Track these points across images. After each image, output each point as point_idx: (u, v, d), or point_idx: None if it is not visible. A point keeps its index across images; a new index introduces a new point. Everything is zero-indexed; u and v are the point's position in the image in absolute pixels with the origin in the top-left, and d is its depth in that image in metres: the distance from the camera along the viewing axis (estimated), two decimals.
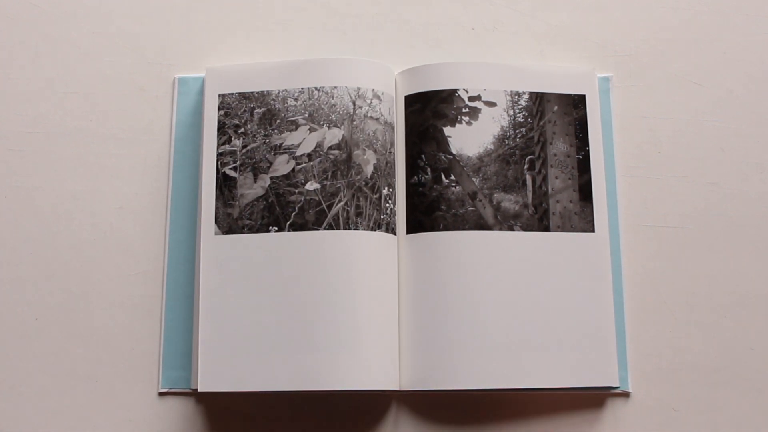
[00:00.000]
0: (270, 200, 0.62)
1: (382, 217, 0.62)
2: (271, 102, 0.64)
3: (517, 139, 0.64)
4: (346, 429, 0.62)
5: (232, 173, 0.63)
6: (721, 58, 0.68)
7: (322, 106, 0.64)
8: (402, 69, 0.66)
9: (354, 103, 0.63)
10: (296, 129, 0.64)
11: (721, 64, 0.68)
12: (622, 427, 0.61)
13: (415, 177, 0.64)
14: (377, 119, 0.64)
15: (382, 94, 0.64)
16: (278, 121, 0.64)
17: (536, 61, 0.68)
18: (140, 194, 0.66)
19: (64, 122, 0.67)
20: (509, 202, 0.63)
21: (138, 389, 0.63)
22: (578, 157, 0.64)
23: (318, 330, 0.59)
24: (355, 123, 0.63)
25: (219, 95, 0.65)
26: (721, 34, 0.68)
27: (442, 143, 0.64)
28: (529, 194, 0.63)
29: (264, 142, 0.64)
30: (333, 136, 0.63)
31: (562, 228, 0.63)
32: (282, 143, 0.63)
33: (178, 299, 0.63)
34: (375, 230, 0.62)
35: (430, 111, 0.64)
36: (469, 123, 0.64)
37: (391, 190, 0.63)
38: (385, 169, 0.63)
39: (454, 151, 0.64)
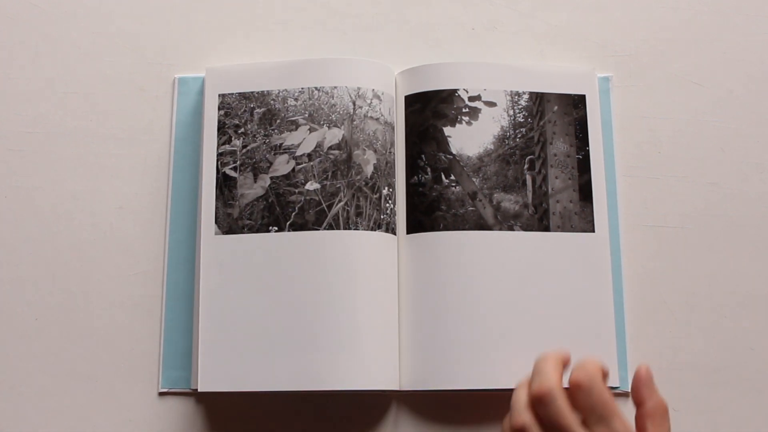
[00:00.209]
0: (270, 200, 0.62)
1: (382, 217, 0.62)
2: (271, 102, 0.64)
3: (517, 139, 0.64)
4: (346, 429, 0.62)
5: (232, 173, 0.63)
6: (721, 58, 0.68)
7: (322, 106, 0.64)
8: (402, 69, 0.66)
9: (354, 103, 0.63)
10: (296, 129, 0.64)
11: (721, 64, 0.68)
12: None
13: (415, 177, 0.64)
14: (377, 119, 0.64)
15: (382, 94, 0.64)
16: (278, 121, 0.64)
17: (536, 61, 0.68)
18: (140, 194, 0.66)
19: (64, 122, 0.67)
20: (509, 202, 0.63)
21: (138, 389, 0.63)
22: (578, 157, 0.64)
23: (318, 330, 0.59)
24: (355, 123, 0.63)
25: (219, 95, 0.65)
26: (721, 34, 0.68)
27: (442, 143, 0.64)
28: (529, 194, 0.63)
29: (264, 142, 0.64)
30: (333, 136, 0.63)
31: (562, 228, 0.63)
32: (282, 143, 0.63)
33: (178, 299, 0.63)
34: (375, 230, 0.62)
35: (430, 111, 0.64)
36: (469, 123, 0.64)
37: (391, 190, 0.63)
38: (385, 169, 0.63)
39: (454, 151, 0.64)
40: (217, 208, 0.63)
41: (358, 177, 0.62)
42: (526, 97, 0.65)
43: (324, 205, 0.62)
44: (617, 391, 0.61)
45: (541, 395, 0.53)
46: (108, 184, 0.66)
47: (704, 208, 0.65)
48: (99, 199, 0.66)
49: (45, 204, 0.66)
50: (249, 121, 0.64)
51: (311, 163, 0.63)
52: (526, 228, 0.62)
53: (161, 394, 0.63)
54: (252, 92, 0.65)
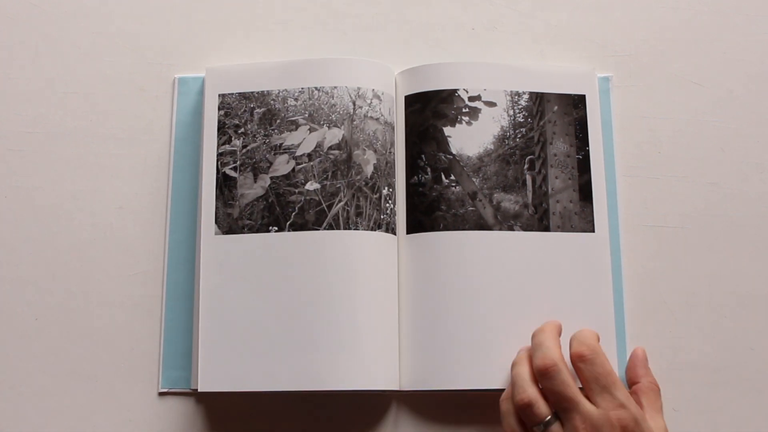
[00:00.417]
0: (270, 200, 0.62)
1: (382, 217, 0.62)
2: (271, 102, 0.64)
3: (517, 139, 0.64)
4: (346, 429, 0.62)
5: (232, 173, 0.63)
6: (721, 58, 0.68)
7: (322, 106, 0.64)
8: (402, 69, 0.66)
9: (354, 103, 0.63)
10: (296, 129, 0.64)
11: (721, 64, 0.68)
12: None
13: (415, 177, 0.64)
14: (377, 119, 0.64)
15: (382, 94, 0.64)
16: (278, 121, 0.64)
17: (536, 61, 0.68)
18: (140, 194, 0.66)
19: (64, 122, 0.67)
20: (509, 202, 0.63)
21: (138, 389, 0.63)
22: (578, 157, 0.64)
23: (318, 330, 0.59)
24: (355, 123, 0.63)
25: (219, 95, 0.65)
26: (721, 34, 0.68)
27: (442, 143, 0.64)
28: (529, 194, 0.63)
29: (264, 142, 0.64)
30: (333, 136, 0.63)
31: (562, 228, 0.63)
32: (282, 143, 0.63)
33: (178, 299, 0.63)
34: (375, 230, 0.62)
35: (430, 111, 0.64)
36: (469, 123, 0.64)
37: (391, 190, 0.63)
38: (385, 169, 0.63)
39: (454, 151, 0.64)
40: (217, 208, 0.63)
41: (358, 177, 0.62)
42: (526, 97, 0.65)
43: (324, 205, 0.62)
44: None
45: (546, 368, 0.54)
46: (108, 184, 0.66)
47: (704, 208, 0.65)
48: (99, 199, 0.66)
49: (45, 204, 0.66)
50: (249, 121, 0.64)
51: (311, 163, 0.63)
52: (526, 228, 0.62)
53: (161, 394, 0.63)
54: (252, 92, 0.65)
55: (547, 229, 0.62)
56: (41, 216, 0.65)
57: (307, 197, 0.62)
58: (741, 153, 0.66)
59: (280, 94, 0.64)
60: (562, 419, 0.53)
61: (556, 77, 0.65)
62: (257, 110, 0.64)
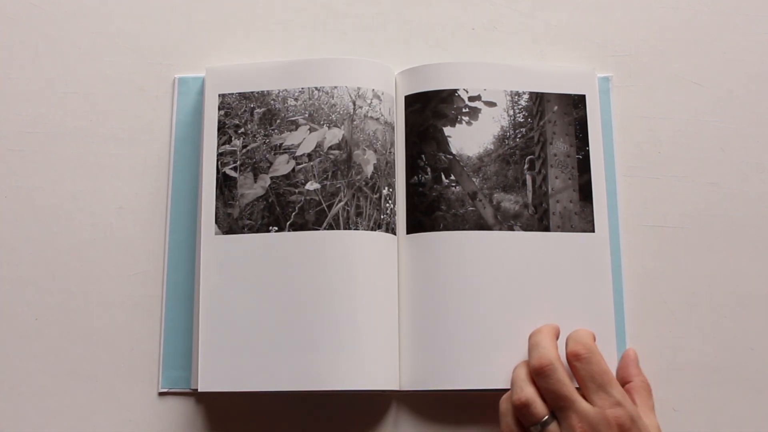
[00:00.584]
0: (270, 200, 0.62)
1: (382, 217, 0.62)
2: (271, 102, 0.64)
3: (517, 139, 0.64)
4: (346, 429, 0.62)
5: (232, 173, 0.63)
6: (721, 58, 0.68)
7: (322, 106, 0.64)
8: (402, 69, 0.66)
9: (354, 103, 0.63)
10: (296, 129, 0.64)
11: (721, 64, 0.68)
12: None
13: (415, 177, 0.64)
14: (377, 119, 0.64)
15: (382, 94, 0.64)
16: (278, 121, 0.64)
17: (536, 61, 0.68)
18: (140, 194, 0.66)
19: (64, 122, 0.67)
20: (509, 202, 0.63)
21: (138, 389, 0.63)
22: (578, 157, 0.64)
23: (318, 330, 0.59)
24: (355, 123, 0.63)
25: (219, 95, 0.65)
26: (721, 34, 0.68)
27: (442, 143, 0.64)
28: (529, 194, 0.63)
29: (264, 142, 0.64)
30: (333, 136, 0.63)
31: (562, 228, 0.63)
32: (282, 143, 0.63)
33: (178, 299, 0.63)
34: (375, 230, 0.62)
35: (430, 111, 0.64)
36: (469, 123, 0.64)
37: (391, 190, 0.63)
38: (385, 169, 0.63)
39: (454, 151, 0.64)
40: (217, 208, 0.63)
41: (358, 177, 0.62)
42: (526, 97, 0.65)
43: (324, 205, 0.62)
44: None
45: (542, 367, 0.54)
46: (108, 184, 0.66)
47: (704, 208, 0.65)
48: (99, 199, 0.66)
49: (45, 204, 0.66)
50: (249, 121, 0.64)
51: (311, 163, 0.63)
52: (526, 228, 0.62)
53: (161, 394, 0.63)
54: (252, 92, 0.65)
55: (547, 229, 0.62)
56: (41, 216, 0.65)
57: (307, 197, 0.62)
58: (741, 153, 0.66)
59: (280, 94, 0.64)
60: (559, 418, 0.53)
61: (556, 77, 0.65)
62: (257, 110, 0.64)
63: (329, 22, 0.69)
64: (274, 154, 0.63)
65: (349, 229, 0.61)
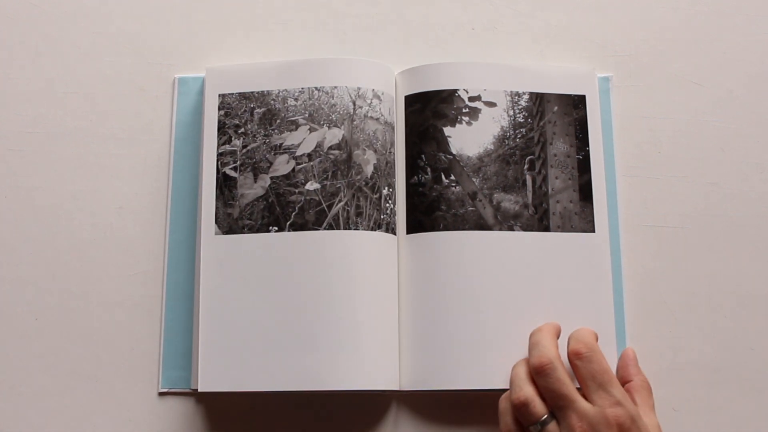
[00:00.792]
0: (270, 200, 0.62)
1: (382, 217, 0.62)
2: (271, 102, 0.64)
3: (517, 140, 0.64)
4: (346, 429, 0.62)
5: (232, 173, 0.63)
6: (721, 58, 0.68)
7: (322, 106, 0.64)
8: (402, 69, 0.66)
9: (354, 103, 0.63)
10: (296, 129, 0.64)
11: (721, 64, 0.68)
12: None
13: (415, 177, 0.64)
14: (377, 119, 0.64)
15: (382, 94, 0.64)
16: (278, 121, 0.64)
17: (536, 61, 0.68)
18: (140, 194, 0.66)
19: (64, 122, 0.67)
20: (509, 202, 0.63)
21: (138, 389, 0.63)
22: (578, 158, 0.64)
23: (318, 330, 0.59)
24: (355, 123, 0.63)
25: (219, 95, 0.65)
26: (721, 34, 0.68)
27: (442, 143, 0.64)
28: (529, 194, 0.63)
29: (264, 142, 0.64)
30: (333, 136, 0.63)
31: (562, 228, 0.63)
32: (282, 143, 0.63)
33: (178, 299, 0.63)
34: (375, 230, 0.62)
35: (430, 111, 0.64)
36: (469, 123, 0.64)
37: (391, 190, 0.63)
38: (385, 169, 0.63)
39: (454, 151, 0.64)
40: (217, 208, 0.63)
41: (358, 177, 0.62)
42: (526, 97, 0.65)
43: (324, 205, 0.62)
44: None
45: (542, 366, 0.54)
46: (108, 184, 0.66)
47: (704, 208, 0.65)
48: (99, 199, 0.66)
49: (45, 204, 0.66)
50: (249, 121, 0.64)
51: (311, 163, 0.63)
52: (526, 228, 0.62)
53: (161, 394, 0.63)
54: (252, 92, 0.65)
55: (547, 229, 0.62)
56: (41, 216, 0.65)
57: (307, 197, 0.62)
58: (741, 153, 0.66)
59: (280, 94, 0.64)
60: (558, 418, 0.53)
61: (556, 77, 0.65)
62: (257, 110, 0.64)
63: (329, 22, 0.69)
64: (274, 154, 0.63)
65: (349, 229, 0.61)
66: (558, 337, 0.58)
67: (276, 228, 0.62)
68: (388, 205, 0.63)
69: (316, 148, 0.63)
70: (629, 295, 0.63)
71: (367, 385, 0.59)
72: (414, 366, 0.61)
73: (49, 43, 0.69)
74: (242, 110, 0.64)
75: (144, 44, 0.69)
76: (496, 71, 0.65)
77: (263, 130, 0.64)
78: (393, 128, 0.65)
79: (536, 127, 0.64)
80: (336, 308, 0.60)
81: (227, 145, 0.64)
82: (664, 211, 0.65)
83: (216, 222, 0.63)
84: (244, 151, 0.64)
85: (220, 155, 0.64)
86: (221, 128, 0.64)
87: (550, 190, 0.63)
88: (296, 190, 0.62)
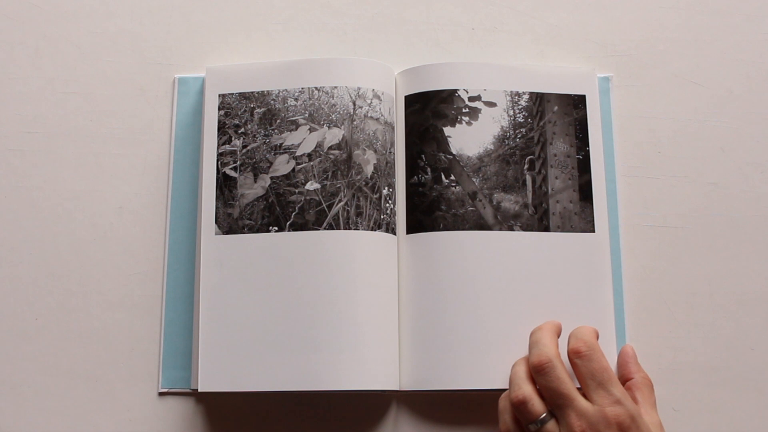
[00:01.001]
0: (270, 200, 0.62)
1: (382, 217, 0.62)
2: (271, 102, 0.64)
3: (517, 140, 0.64)
4: (346, 429, 0.62)
5: (233, 173, 0.63)
6: (721, 58, 0.68)
7: (322, 106, 0.64)
8: (402, 69, 0.66)
9: (354, 103, 0.63)
10: (296, 129, 0.64)
11: (721, 64, 0.68)
12: None
13: (415, 177, 0.64)
14: (377, 119, 0.64)
15: (382, 94, 0.64)
16: (278, 121, 0.64)
17: (536, 61, 0.68)
18: (140, 194, 0.66)
19: (64, 122, 0.67)
20: (509, 202, 0.63)
21: (138, 389, 0.63)
22: (578, 158, 0.64)
23: (318, 330, 0.59)
24: (355, 123, 0.63)
25: (219, 95, 0.65)
26: (721, 34, 0.68)
27: (442, 143, 0.64)
28: (529, 194, 0.63)
29: (264, 142, 0.64)
30: (333, 136, 0.63)
31: (562, 228, 0.63)
32: (282, 143, 0.63)
33: (178, 299, 0.63)
34: (375, 230, 0.62)
35: (430, 111, 0.64)
36: (469, 123, 0.64)
37: (391, 190, 0.63)
38: (385, 169, 0.63)
39: (454, 151, 0.64)
40: (217, 208, 0.63)
41: (358, 177, 0.62)
42: (526, 97, 0.65)
43: (324, 205, 0.62)
44: None
45: (541, 364, 0.54)
46: (108, 184, 0.66)
47: (704, 208, 0.65)
48: (99, 199, 0.66)
49: (45, 204, 0.66)
50: (249, 121, 0.64)
51: (311, 163, 0.63)
52: (526, 228, 0.62)
53: (161, 394, 0.63)
54: (252, 92, 0.65)
55: (547, 229, 0.62)
56: (41, 216, 0.65)
57: (307, 197, 0.62)
58: (741, 153, 0.66)
59: (280, 94, 0.64)
60: (558, 417, 0.53)
61: (556, 77, 0.65)
62: (257, 110, 0.64)
63: (329, 22, 0.69)
64: (274, 154, 0.63)
65: (349, 229, 0.61)
66: (559, 336, 0.58)
67: (276, 228, 0.62)
68: (388, 205, 0.63)
69: (316, 148, 0.63)
70: (629, 295, 0.63)
71: (367, 385, 0.59)
72: (414, 366, 0.61)
73: (49, 43, 0.69)
74: (242, 110, 0.64)
75: (144, 44, 0.69)
76: (496, 71, 0.65)
77: (263, 130, 0.64)
78: (393, 128, 0.65)
79: (536, 127, 0.64)
80: (336, 308, 0.60)
81: (227, 145, 0.64)
82: (664, 211, 0.65)
83: (216, 222, 0.63)
84: (244, 151, 0.64)
85: (220, 155, 0.64)
86: (221, 128, 0.64)
87: (550, 190, 0.63)
88: (296, 190, 0.62)
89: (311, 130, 0.63)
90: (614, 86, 0.67)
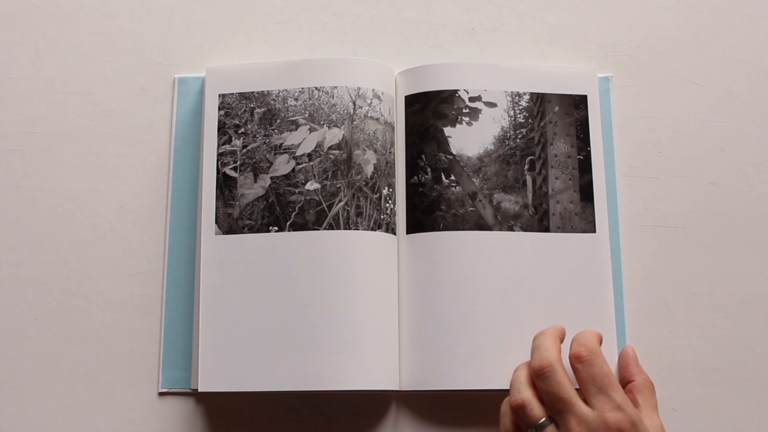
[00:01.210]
0: (270, 200, 0.62)
1: (382, 217, 0.62)
2: (271, 102, 0.64)
3: (518, 140, 0.64)
4: (346, 429, 0.62)
5: (233, 173, 0.63)
6: (721, 58, 0.68)
7: (323, 106, 0.64)
8: (402, 69, 0.66)
9: (354, 103, 0.63)
10: (296, 129, 0.64)
11: (721, 64, 0.68)
12: None
13: (415, 177, 0.64)
14: (377, 119, 0.64)
15: (382, 94, 0.64)
16: (278, 121, 0.64)
17: (536, 62, 0.68)
18: (140, 194, 0.66)
19: (64, 122, 0.67)
20: (509, 202, 0.63)
21: (138, 389, 0.63)
22: (579, 158, 0.64)
23: (318, 330, 0.59)
24: (355, 123, 0.63)
25: (219, 95, 0.65)
26: (721, 34, 0.68)
27: (443, 143, 0.64)
28: (530, 195, 0.63)
29: (264, 142, 0.64)
30: (333, 136, 0.63)
31: (562, 228, 0.63)
32: (282, 143, 0.63)
33: (178, 299, 0.63)
34: (375, 230, 0.62)
35: (430, 111, 0.64)
36: (469, 123, 0.64)
37: (391, 190, 0.63)
38: (385, 169, 0.63)
39: (454, 152, 0.64)
40: (217, 208, 0.63)
41: (358, 177, 0.62)
42: (526, 97, 0.65)
43: (324, 205, 0.62)
44: None
45: (542, 369, 0.53)
46: (108, 184, 0.66)
47: (704, 208, 0.65)
48: (99, 199, 0.66)
49: (45, 204, 0.66)
50: (249, 121, 0.64)
51: (311, 163, 0.63)
52: (526, 228, 0.62)
53: (161, 394, 0.63)
54: (252, 92, 0.65)
55: (547, 229, 0.62)
56: (41, 216, 0.65)
57: (307, 197, 0.62)
58: (741, 153, 0.66)
59: (280, 94, 0.64)
60: (557, 421, 0.53)
61: (557, 77, 0.65)
62: (257, 110, 0.64)
63: (329, 22, 0.69)
64: (274, 154, 0.63)
65: (349, 229, 0.61)
66: (562, 341, 0.58)
67: (276, 228, 0.62)
68: (388, 205, 0.63)
69: (316, 148, 0.63)
70: (629, 295, 0.63)
71: (367, 385, 0.59)
72: (414, 366, 0.61)
73: (49, 43, 0.69)
74: (242, 110, 0.64)
75: (144, 44, 0.69)
76: (496, 71, 0.65)
77: (263, 130, 0.64)
78: (393, 128, 0.65)
79: (537, 127, 0.64)
80: (336, 308, 0.60)
81: (227, 145, 0.64)
82: (664, 211, 0.65)
83: (216, 222, 0.63)
84: (244, 151, 0.64)
85: (220, 155, 0.64)
86: (221, 128, 0.64)
87: (550, 190, 0.63)
88: (296, 190, 0.62)
89: (311, 130, 0.63)
90: (614, 86, 0.67)
